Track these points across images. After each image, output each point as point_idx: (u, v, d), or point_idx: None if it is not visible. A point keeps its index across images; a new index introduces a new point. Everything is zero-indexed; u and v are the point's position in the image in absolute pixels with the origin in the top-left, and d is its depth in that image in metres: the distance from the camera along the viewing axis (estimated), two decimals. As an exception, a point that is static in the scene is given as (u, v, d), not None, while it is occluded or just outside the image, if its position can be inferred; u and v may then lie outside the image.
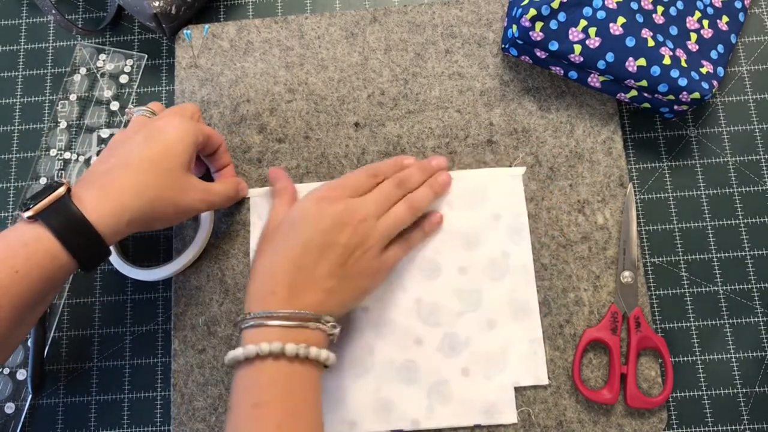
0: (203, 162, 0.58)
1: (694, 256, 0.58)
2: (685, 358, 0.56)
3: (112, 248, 0.58)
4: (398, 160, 0.57)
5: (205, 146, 0.55)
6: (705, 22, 0.59)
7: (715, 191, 0.60)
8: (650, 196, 0.60)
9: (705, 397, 0.56)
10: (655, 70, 0.55)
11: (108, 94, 0.64)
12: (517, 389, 0.54)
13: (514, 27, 0.57)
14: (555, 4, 0.55)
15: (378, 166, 0.56)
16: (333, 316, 0.48)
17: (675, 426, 0.55)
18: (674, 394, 0.56)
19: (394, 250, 0.54)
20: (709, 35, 0.59)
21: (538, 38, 0.56)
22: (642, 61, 0.55)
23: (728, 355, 0.56)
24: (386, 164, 0.56)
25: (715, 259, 0.58)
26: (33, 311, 0.45)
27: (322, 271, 0.48)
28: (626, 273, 0.56)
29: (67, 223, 0.44)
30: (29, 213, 0.44)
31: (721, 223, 0.59)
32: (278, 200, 0.55)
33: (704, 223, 0.59)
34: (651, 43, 0.55)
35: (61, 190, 0.45)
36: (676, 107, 0.57)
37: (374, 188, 0.54)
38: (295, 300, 0.47)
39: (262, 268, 0.49)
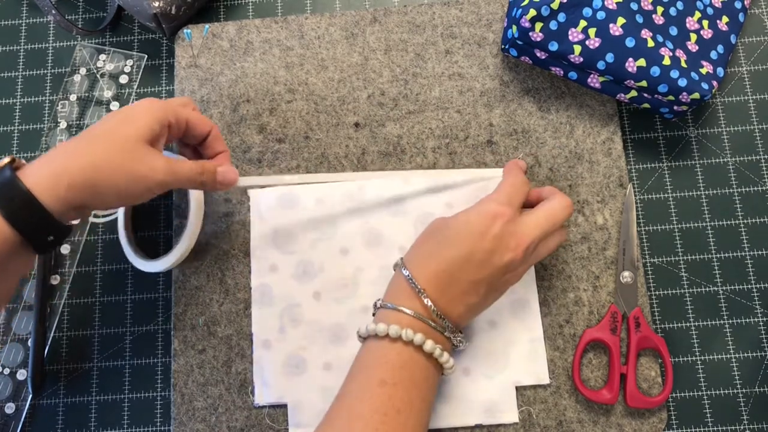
0: (198, 155, 0.56)
1: (693, 256, 0.58)
2: (685, 358, 0.56)
3: (123, 239, 0.58)
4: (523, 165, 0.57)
5: (188, 133, 0.52)
6: (705, 23, 0.59)
7: (714, 191, 0.60)
8: (650, 196, 0.60)
9: (705, 397, 0.56)
10: (655, 71, 0.55)
11: (108, 94, 0.64)
12: (517, 389, 0.55)
13: (514, 27, 0.57)
14: (555, 5, 0.55)
15: (521, 164, 0.56)
16: (462, 325, 0.50)
17: (675, 426, 0.55)
18: (674, 394, 0.56)
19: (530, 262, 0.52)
20: (709, 35, 0.59)
21: (538, 39, 0.56)
22: (642, 62, 0.55)
23: (728, 355, 0.56)
24: (522, 164, 0.56)
25: (714, 259, 0.58)
26: None
27: (472, 287, 0.48)
28: (626, 273, 0.56)
29: (1, 189, 0.42)
30: None
31: (720, 223, 0.59)
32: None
33: (704, 224, 0.59)
34: (651, 43, 0.55)
35: (5, 159, 0.44)
36: (675, 108, 0.57)
37: (530, 193, 0.53)
38: (440, 304, 0.48)
39: (421, 258, 0.50)
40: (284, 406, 0.55)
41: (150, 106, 0.49)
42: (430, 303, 0.47)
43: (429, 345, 0.46)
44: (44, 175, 0.43)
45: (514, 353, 0.55)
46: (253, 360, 0.56)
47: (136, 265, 0.58)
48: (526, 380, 0.54)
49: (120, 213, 0.60)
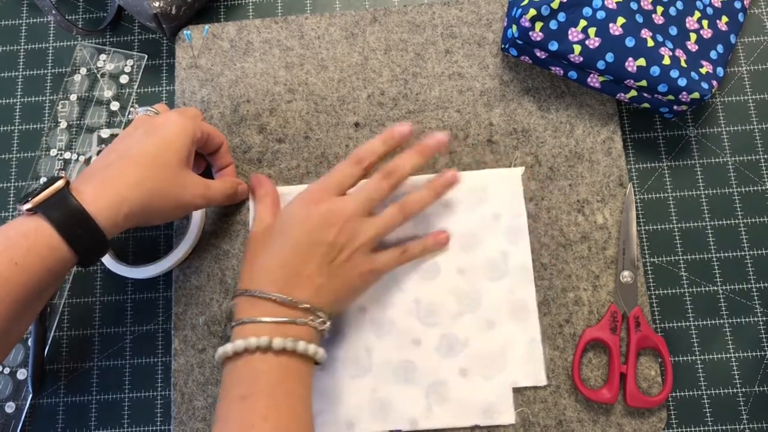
0: (202, 161, 0.59)
1: (693, 256, 0.58)
2: (685, 358, 0.56)
3: (110, 261, 0.58)
4: (390, 133, 0.55)
5: (206, 144, 0.56)
6: (704, 23, 0.59)
7: (714, 191, 0.60)
8: (650, 196, 0.60)
9: (704, 396, 0.56)
10: (655, 71, 0.55)
11: (108, 94, 0.64)
12: (517, 389, 0.55)
13: (514, 27, 0.57)
14: (555, 5, 0.55)
15: (363, 150, 0.54)
16: (324, 313, 0.49)
17: (674, 425, 0.55)
18: (674, 394, 0.56)
19: (388, 254, 0.54)
20: (709, 35, 0.59)
21: (538, 38, 0.56)
22: (641, 62, 0.55)
23: (728, 355, 0.56)
24: (373, 145, 0.54)
25: (714, 259, 0.58)
26: (33, 305, 0.46)
27: (310, 270, 0.49)
28: (626, 273, 0.56)
29: (66, 214, 0.45)
30: (28, 205, 0.45)
31: (720, 223, 0.59)
32: (261, 205, 0.56)
33: (704, 223, 0.59)
34: (650, 43, 0.55)
35: (60, 183, 0.46)
36: (675, 107, 0.57)
37: (361, 178, 0.53)
38: (285, 291, 0.48)
39: (252, 268, 0.50)
40: (284, 406, 0.55)
41: (182, 126, 0.51)
42: (272, 294, 0.47)
43: (277, 342, 0.46)
44: (104, 205, 0.46)
45: (511, 354, 0.55)
46: (253, 360, 0.56)
47: (135, 275, 0.58)
48: (524, 381, 0.54)
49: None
